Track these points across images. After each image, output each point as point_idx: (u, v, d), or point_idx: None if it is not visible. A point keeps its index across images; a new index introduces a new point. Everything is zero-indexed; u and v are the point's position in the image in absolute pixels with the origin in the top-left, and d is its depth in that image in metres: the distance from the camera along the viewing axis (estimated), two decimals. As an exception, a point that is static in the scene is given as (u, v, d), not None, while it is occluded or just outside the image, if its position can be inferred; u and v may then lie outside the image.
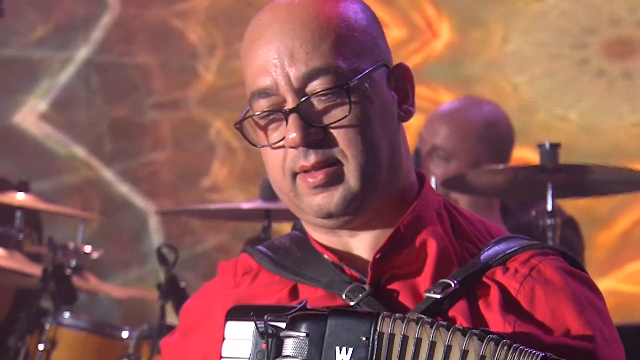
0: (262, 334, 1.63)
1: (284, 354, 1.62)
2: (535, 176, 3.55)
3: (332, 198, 1.73)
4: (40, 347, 3.94)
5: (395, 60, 1.84)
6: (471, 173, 3.84)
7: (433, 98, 5.34)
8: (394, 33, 5.50)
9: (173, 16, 6.20)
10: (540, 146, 3.49)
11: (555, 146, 3.48)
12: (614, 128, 5.23)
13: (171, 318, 3.88)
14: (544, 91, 5.37)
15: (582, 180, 3.69)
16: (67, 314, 3.99)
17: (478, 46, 5.49)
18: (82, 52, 6.28)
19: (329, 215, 1.75)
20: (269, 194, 3.91)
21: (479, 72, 5.41)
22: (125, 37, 6.30)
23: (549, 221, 3.50)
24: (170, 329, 3.83)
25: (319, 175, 1.73)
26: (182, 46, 6.20)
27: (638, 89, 5.24)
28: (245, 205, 4.09)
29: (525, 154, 3.69)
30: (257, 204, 3.97)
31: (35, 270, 4.17)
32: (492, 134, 4.04)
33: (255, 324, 1.63)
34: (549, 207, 3.50)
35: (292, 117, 1.71)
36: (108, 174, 6.26)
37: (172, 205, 6.17)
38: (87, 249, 4.40)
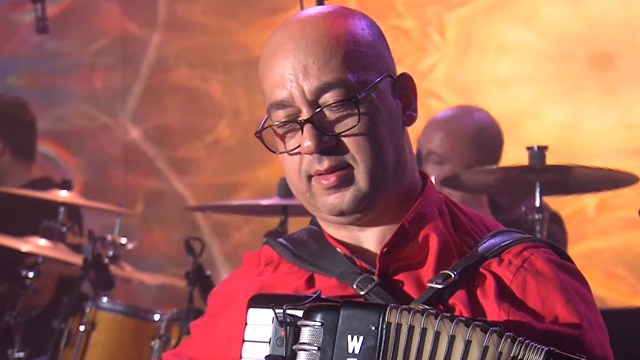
0: (281, 323, 1.61)
1: (301, 341, 1.59)
2: (525, 176, 3.53)
3: (344, 198, 1.71)
4: (81, 328, 3.92)
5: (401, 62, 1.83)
6: (467, 172, 3.82)
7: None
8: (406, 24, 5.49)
9: (196, 78, 6.23)
10: (529, 148, 3.47)
11: (542, 148, 3.46)
12: (596, 132, 5.21)
13: (198, 303, 3.86)
14: (534, 98, 5.35)
15: (567, 179, 3.66)
16: (105, 299, 3.98)
17: (476, 54, 5.46)
18: (122, 119, 6.32)
19: (341, 213, 1.73)
20: (285, 192, 3.92)
21: (477, 78, 5.38)
22: (157, 102, 6.34)
23: (537, 216, 3.48)
24: (197, 312, 3.82)
25: (332, 178, 1.71)
26: (208, 105, 6.24)
27: (617, 97, 5.22)
28: (264, 202, 4.07)
29: (516, 155, 3.65)
30: (275, 200, 3.96)
31: (77, 259, 4.16)
32: (482, 139, 4.01)
33: (275, 314, 1.61)
34: (537, 204, 3.48)
35: (307, 127, 1.70)
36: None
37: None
38: (123, 240, 4.38)
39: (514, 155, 3.73)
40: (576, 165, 3.53)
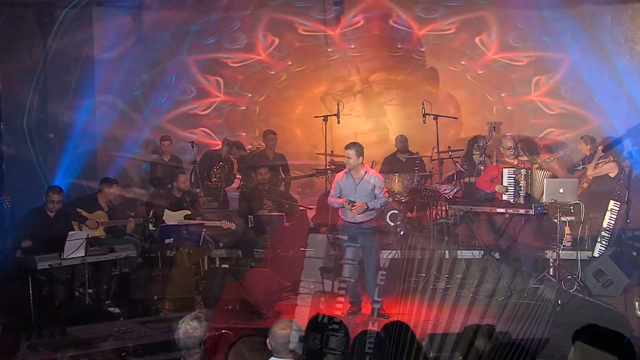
0: (331, 244, 1.61)
1: (346, 257, 1.60)
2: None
3: None
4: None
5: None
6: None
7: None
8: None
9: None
10: (489, 123, 3.54)
11: (498, 124, 3.52)
12: (523, 113, 5.21)
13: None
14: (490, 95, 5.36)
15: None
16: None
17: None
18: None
19: None
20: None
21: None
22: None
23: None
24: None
25: None
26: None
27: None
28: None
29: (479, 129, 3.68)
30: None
31: (162, 202, 4.20)
32: None
33: (328, 238, 1.61)
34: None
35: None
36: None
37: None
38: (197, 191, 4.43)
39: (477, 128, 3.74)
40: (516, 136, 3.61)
